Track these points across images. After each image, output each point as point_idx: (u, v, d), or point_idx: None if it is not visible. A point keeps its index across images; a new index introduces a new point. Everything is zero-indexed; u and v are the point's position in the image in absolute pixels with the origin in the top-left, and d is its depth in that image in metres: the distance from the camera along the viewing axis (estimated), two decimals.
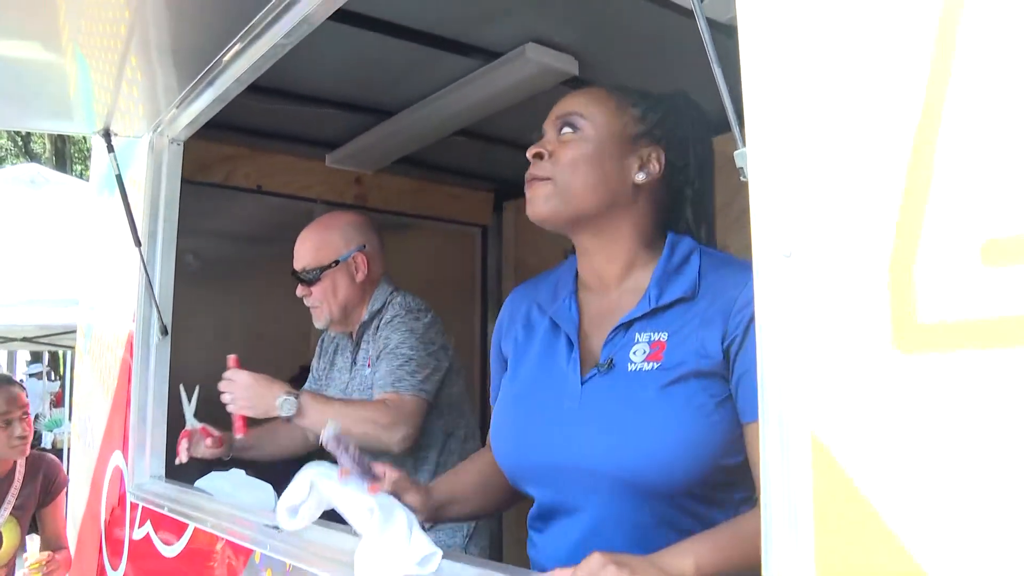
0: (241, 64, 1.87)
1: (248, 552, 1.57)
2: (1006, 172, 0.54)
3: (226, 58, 1.88)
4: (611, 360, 1.22)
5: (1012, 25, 0.55)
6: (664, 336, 1.19)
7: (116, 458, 2.48)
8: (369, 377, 2.13)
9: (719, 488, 1.18)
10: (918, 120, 0.59)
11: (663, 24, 2.14)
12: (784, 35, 0.71)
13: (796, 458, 0.65)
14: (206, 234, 3.22)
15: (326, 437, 1.27)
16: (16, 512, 2.79)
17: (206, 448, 2.07)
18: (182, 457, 2.06)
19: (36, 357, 9.64)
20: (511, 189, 3.95)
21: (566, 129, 1.30)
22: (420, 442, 2.07)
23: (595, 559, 0.98)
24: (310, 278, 2.18)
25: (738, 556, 1.02)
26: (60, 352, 8.16)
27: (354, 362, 2.23)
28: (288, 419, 1.90)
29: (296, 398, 1.90)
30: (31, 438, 2.85)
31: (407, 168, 3.58)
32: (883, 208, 0.60)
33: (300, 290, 2.21)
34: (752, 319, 1.05)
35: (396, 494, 1.27)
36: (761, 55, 0.73)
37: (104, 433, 2.63)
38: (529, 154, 1.30)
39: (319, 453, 1.48)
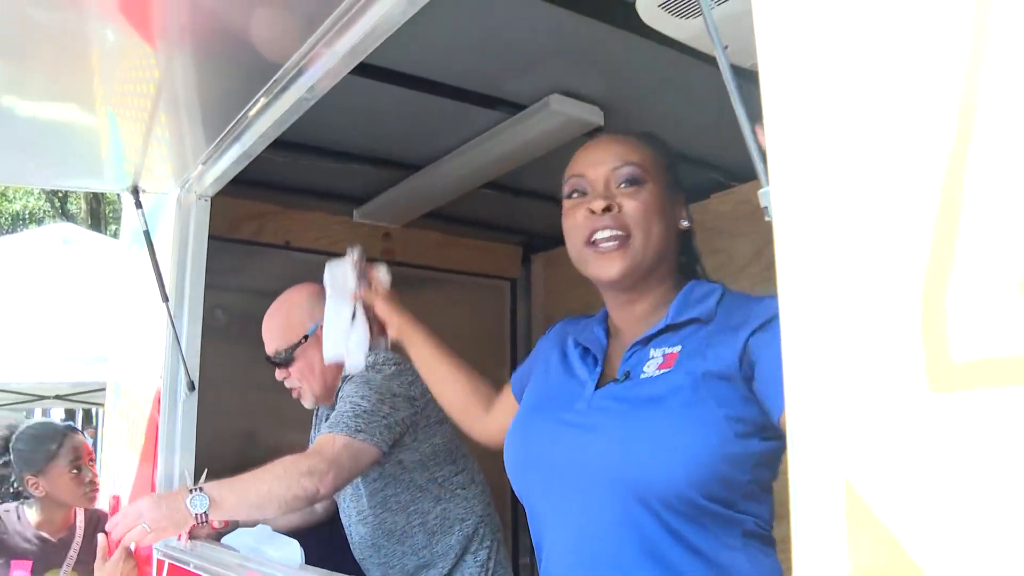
0: (266, 119, 1.88)
1: None
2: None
3: (251, 113, 1.90)
4: (627, 373, 1.24)
5: None
6: (677, 348, 1.21)
7: None
8: None
9: (714, 511, 1.12)
10: (950, 149, 0.56)
11: (686, 72, 2.15)
12: (805, 78, 0.69)
13: (831, 508, 0.61)
14: (234, 290, 3.24)
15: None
16: (79, 568, 2.78)
17: (212, 529, 2.04)
18: (183, 542, 2.02)
19: (70, 415, 9.77)
20: (539, 241, 3.95)
21: (628, 182, 1.29)
22: (404, 498, 2.05)
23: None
24: (284, 359, 2.15)
25: None
26: (93, 410, 8.23)
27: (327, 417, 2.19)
28: (206, 517, 1.78)
29: (201, 490, 1.79)
30: (99, 487, 2.87)
31: (435, 222, 3.61)
32: (914, 242, 0.57)
33: (279, 374, 2.19)
34: (772, 325, 1.07)
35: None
36: (782, 99, 0.71)
37: (132, 489, 2.63)
38: (598, 208, 1.27)
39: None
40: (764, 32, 0.72)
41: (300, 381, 2.16)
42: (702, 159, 2.88)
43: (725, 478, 1.11)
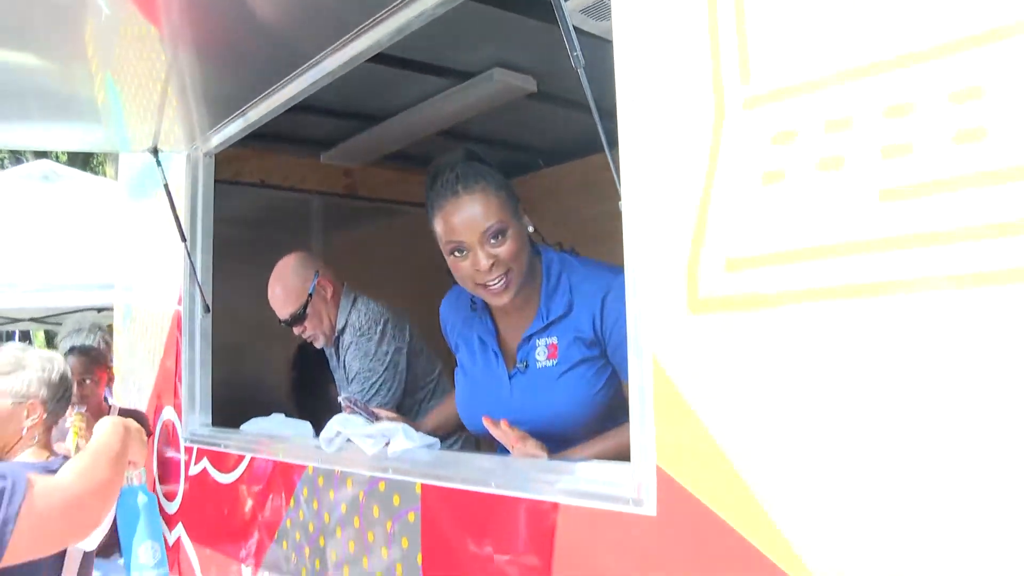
0: (272, 102, 2.40)
1: (302, 467, 2.15)
2: (734, 228, 1.13)
3: (256, 99, 2.42)
4: (526, 362, 1.85)
5: (741, 148, 1.14)
6: (555, 340, 1.81)
7: (167, 413, 3.04)
8: (345, 383, 2.69)
9: (603, 422, 1.78)
10: (700, 195, 1.18)
11: (606, 52, 2.70)
12: (651, 118, 1.29)
13: (646, 370, 1.24)
14: (217, 223, 3.72)
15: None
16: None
17: None
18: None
19: (24, 336, 10.11)
20: None
21: (497, 235, 1.70)
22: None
23: (531, 446, 1.61)
24: (298, 318, 2.68)
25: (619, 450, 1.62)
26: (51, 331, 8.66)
27: (337, 360, 2.80)
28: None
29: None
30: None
31: (391, 161, 4.08)
32: (684, 237, 1.19)
33: (296, 330, 2.72)
34: (604, 309, 1.73)
35: None
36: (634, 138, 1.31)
37: (152, 394, 3.19)
38: (484, 267, 1.70)
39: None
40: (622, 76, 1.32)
41: (315, 330, 2.71)
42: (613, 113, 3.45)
43: (607, 407, 1.78)
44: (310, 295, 2.68)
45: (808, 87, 1.08)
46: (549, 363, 1.81)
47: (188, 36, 2.11)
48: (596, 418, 1.78)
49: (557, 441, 1.75)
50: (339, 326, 2.72)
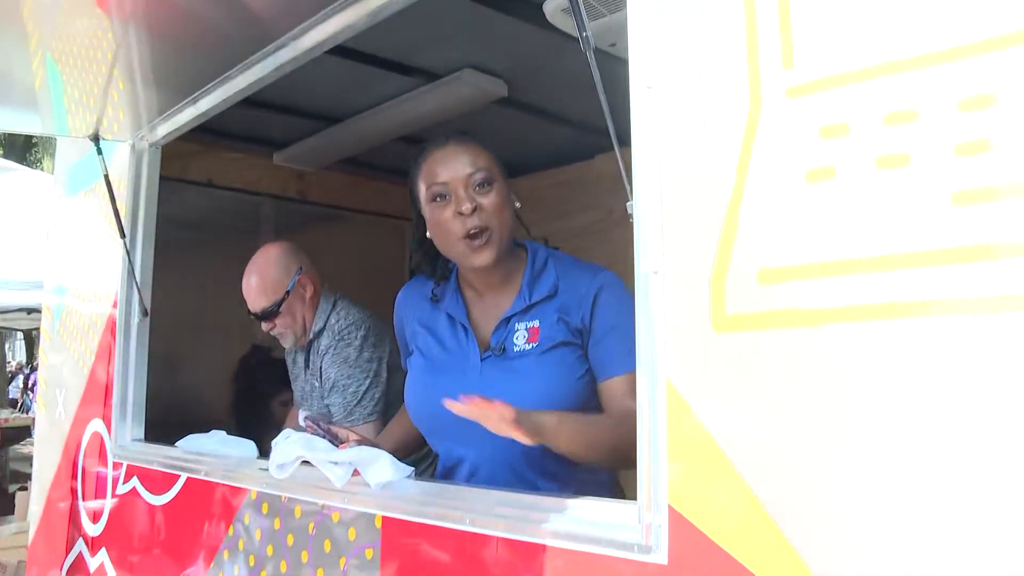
0: (226, 90, 2.21)
1: (244, 491, 1.94)
2: (770, 235, 0.98)
3: (209, 86, 2.22)
4: (502, 346, 1.65)
5: (784, 143, 0.98)
6: (537, 323, 1.64)
7: (95, 425, 2.79)
8: (319, 391, 2.47)
9: None
10: (730, 197, 1.02)
11: (576, 55, 2.56)
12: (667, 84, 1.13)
13: (658, 395, 1.08)
14: (161, 223, 3.51)
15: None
16: None
17: None
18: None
19: None
20: None
21: (482, 184, 1.60)
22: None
23: (499, 406, 1.35)
24: (270, 314, 2.45)
25: (589, 431, 1.48)
26: None
27: (306, 365, 2.56)
28: None
29: None
30: None
31: (346, 166, 3.94)
32: (708, 247, 1.04)
33: (264, 326, 2.49)
34: (596, 303, 1.57)
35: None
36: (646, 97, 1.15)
37: (80, 404, 2.94)
38: (467, 210, 1.57)
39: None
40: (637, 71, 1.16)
41: (286, 328, 2.48)
42: (590, 124, 3.31)
43: (583, 411, 1.57)
44: (288, 292, 2.45)
45: (865, 74, 0.94)
46: (529, 347, 1.62)
47: (140, 12, 1.94)
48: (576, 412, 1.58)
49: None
50: (316, 328, 2.49)
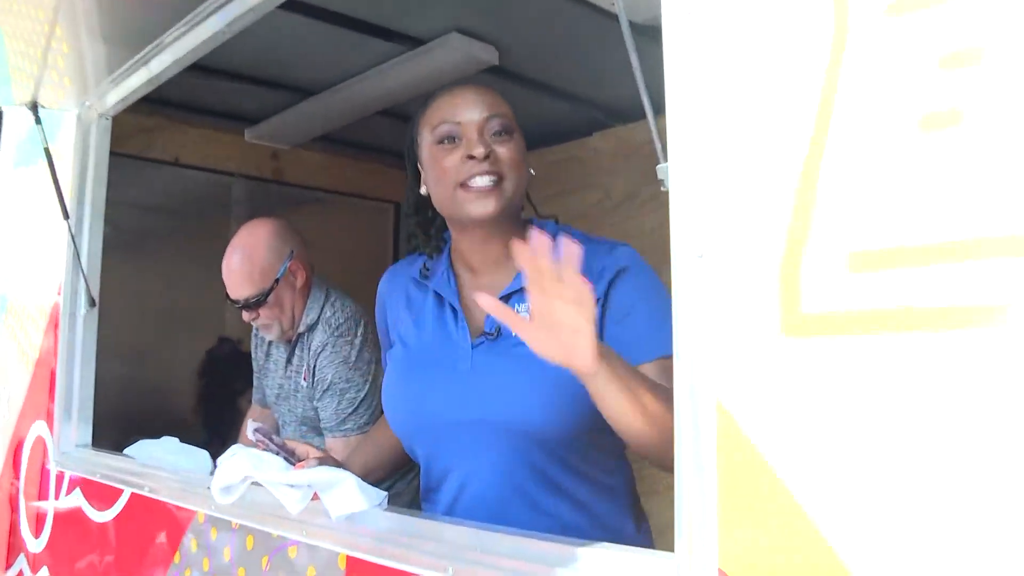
0: (180, 47, 1.93)
1: (191, 513, 1.67)
2: (866, 204, 0.71)
3: (165, 41, 1.94)
4: (498, 328, 1.35)
5: (887, 78, 0.71)
6: None
7: (38, 428, 2.51)
8: (307, 391, 2.18)
9: (595, 443, 1.32)
10: (806, 154, 0.75)
11: (579, 22, 2.31)
12: (704, 74, 0.86)
13: (704, 422, 0.81)
14: (121, 204, 3.22)
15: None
16: None
17: None
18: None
19: None
20: None
21: (500, 131, 1.36)
22: None
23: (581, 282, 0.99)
24: (255, 304, 2.13)
25: (653, 390, 1.11)
26: None
27: (289, 361, 2.25)
28: None
29: None
30: None
31: (323, 144, 3.67)
32: (776, 222, 0.76)
33: (246, 315, 2.16)
34: (617, 279, 1.28)
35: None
36: (684, 71, 0.88)
37: (23, 404, 2.65)
38: (480, 155, 1.32)
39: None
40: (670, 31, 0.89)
41: (271, 320, 2.16)
42: (587, 98, 3.05)
43: (589, 411, 1.21)
44: (277, 280, 2.13)
45: None
46: None
47: None
48: (581, 413, 1.25)
49: (525, 442, 1.30)
50: (308, 322, 2.17)
